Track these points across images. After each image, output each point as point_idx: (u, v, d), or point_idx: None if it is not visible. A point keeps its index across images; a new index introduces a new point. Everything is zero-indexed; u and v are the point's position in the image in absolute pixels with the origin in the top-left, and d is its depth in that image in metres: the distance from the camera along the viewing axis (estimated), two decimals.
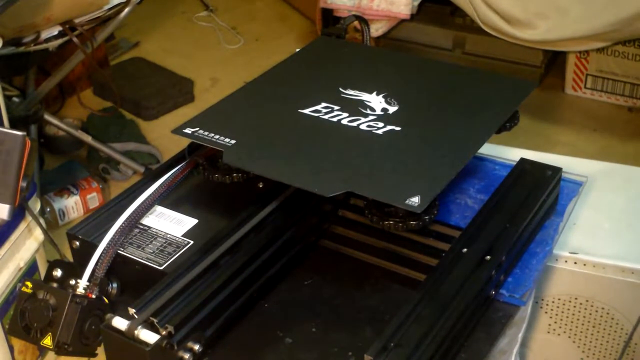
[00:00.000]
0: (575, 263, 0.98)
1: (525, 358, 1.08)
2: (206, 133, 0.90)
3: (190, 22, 3.04)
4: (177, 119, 2.34)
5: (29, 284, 0.82)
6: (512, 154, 1.06)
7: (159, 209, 0.92)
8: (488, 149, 1.07)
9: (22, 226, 1.39)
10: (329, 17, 2.49)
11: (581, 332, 1.03)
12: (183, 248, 0.87)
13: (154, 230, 0.89)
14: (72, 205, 1.98)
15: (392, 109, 0.95)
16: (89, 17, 1.80)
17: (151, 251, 0.86)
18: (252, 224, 0.86)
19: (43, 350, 1.50)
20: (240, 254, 0.82)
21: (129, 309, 0.74)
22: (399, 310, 0.75)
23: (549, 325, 1.05)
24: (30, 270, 1.43)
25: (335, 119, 0.93)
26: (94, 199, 2.01)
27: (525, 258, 0.90)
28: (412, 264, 0.89)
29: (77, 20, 1.78)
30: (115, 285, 0.85)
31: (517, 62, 2.39)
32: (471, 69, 1.17)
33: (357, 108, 0.95)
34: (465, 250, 0.83)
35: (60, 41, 1.80)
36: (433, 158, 0.86)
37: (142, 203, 0.90)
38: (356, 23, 1.18)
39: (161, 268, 0.84)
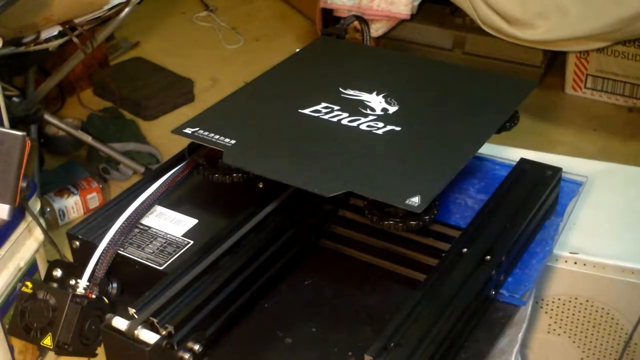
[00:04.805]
0: (575, 263, 0.98)
1: (526, 358, 1.08)
2: (206, 133, 0.90)
3: (190, 22, 3.04)
4: (177, 119, 2.34)
5: (29, 284, 0.82)
6: (512, 154, 1.06)
7: (159, 209, 0.92)
8: (488, 149, 1.07)
9: (22, 226, 1.39)
10: (329, 17, 2.50)
11: (581, 332, 1.03)
12: (183, 248, 0.87)
13: (154, 230, 0.89)
14: (72, 205, 1.98)
15: (392, 109, 0.95)
16: (89, 17, 1.80)
17: (151, 251, 0.86)
18: (252, 224, 0.86)
19: (43, 350, 1.50)
20: (240, 254, 0.82)
21: (129, 309, 0.74)
22: (399, 310, 0.75)
23: (549, 325, 1.05)
24: (30, 270, 1.43)
25: (335, 119, 0.93)
26: (94, 199, 2.01)
27: (525, 258, 0.90)
28: (412, 264, 0.89)
29: (77, 20, 1.78)
30: (115, 285, 0.85)
31: (517, 62, 2.40)
32: (471, 69, 1.17)
33: (357, 108, 0.95)
34: (465, 250, 0.83)
35: (60, 41, 1.80)
36: (433, 158, 0.86)
37: (142, 203, 0.90)
38: (356, 23, 1.18)
39: (161, 268, 0.84)
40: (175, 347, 0.73)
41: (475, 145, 0.88)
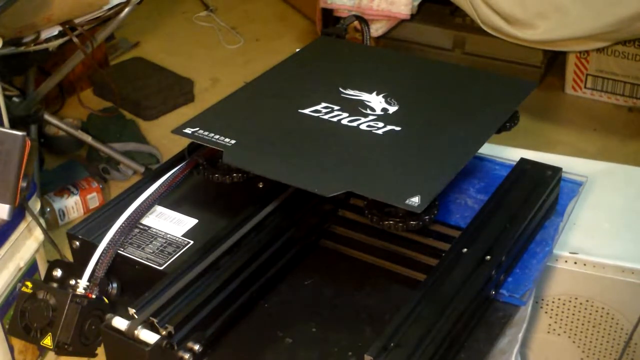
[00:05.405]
0: (575, 263, 0.98)
1: (526, 358, 1.08)
2: (206, 133, 0.90)
3: (190, 22, 3.04)
4: (177, 119, 2.34)
5: (29, 284, 0.82)
6: (512, 154, 1.06)
7: (159, 209, 0.92)
8: (488, 149, 1.07)
9: (22, 226, 1.39)
10: (329, 17, 2.50)
11: (581, 332, 1.04)
12: (183, 248, 0.87)
13: (154, 230, 0.89)
14: (72, 205, 1.98)
15: (392, 109, 0.95)
16: (89, 17, 1.80)
17: (151, 251, 0.86)
18: (252, 224, 0.86)
19: (43, 350, 1.50)
20: (240, 254, 0.82)
21: (129, 309, 0.74)
22: (399, 310, 0.75)
23: (549, 325, 1.05)
24: (30, 270, 1.43)
25: (335, 119, 0.93)
26: (94, 199, 2.01)
27: (525, 258, 0.90)
28: (412, 264, 0.89)
29: (77, 20, 1.78)
30: (115, 285, 0.85)
31: (517, 62, 2.40)
32: (471, 69, 1.17)
33: (357, 108, 0.95)
34: (465, 250, 0.83)
35: (60, 41, 1.80)
36: (433, 158, 0.86)
37: (142, 203, 0.90)
38: (356, 23, 1.18)
39: (161, 268, 0.84)
40: (175, 347, 0.73)
41: (475, 145, 0.88)
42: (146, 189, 0.92)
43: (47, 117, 2.04)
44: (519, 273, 0.88)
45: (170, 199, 0.94)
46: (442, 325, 0.74)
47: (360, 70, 1.06)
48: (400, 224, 0.83)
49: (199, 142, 0.90)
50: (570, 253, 0.98)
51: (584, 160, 1.12)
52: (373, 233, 0.92)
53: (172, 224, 0.90)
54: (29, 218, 1.40)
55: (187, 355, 0.74)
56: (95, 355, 0.83)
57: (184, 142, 0.96)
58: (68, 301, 0.79)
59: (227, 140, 0.88)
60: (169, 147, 2.22)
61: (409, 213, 0.81)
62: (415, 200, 0.77)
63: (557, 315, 1.04)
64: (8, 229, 1.35)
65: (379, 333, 0.73)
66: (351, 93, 0.98)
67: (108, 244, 0.84)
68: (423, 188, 0.79)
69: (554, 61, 2.48)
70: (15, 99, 1.98)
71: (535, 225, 0.93)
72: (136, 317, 0.74)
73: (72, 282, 0.82)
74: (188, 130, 0.91)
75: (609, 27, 2.14)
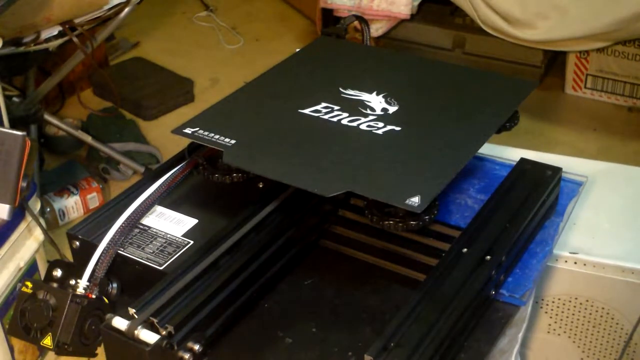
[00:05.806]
0: (575, 263, 0.98)
1: (525, 358, 1.08)
2: (206, 133, 0.90)
3: (190, 22, 3.04)
4: (177, 119, 2.34)
5: (29, 284, 0.82)
6: (512, 154, 1.06)
7: (159, 209, 0.92)
8: (488, 149, 1.07)
9: (22, 226, 1.39)
10: (329, 17, 2.50)
11: (581, 332, 1.04)
12: (183, 248, 0.87)
13: (154, 230, 0.89)
14: (72, 205, 1.98)
15: (392, 109, 0.95)
16: (89, 17, 1.80)
17: (151, 251, 0.86)
18: (252, 224, 0.86)
19: (43, 350, 1.50)
20: (240, 254, 0.82)
21: (129, 309, 0.74)
22: (399, 310, 0.75)
23: (549, 325, 1.05)
24: (30, 270, 1.43)
25: (335, 119, 0.93)
26: (94, 199, 2.01)
27: (525, 258, 0.90)
28: (412, 264, 0.89)
29: (77, 20, 1.78)
30: (115, 285, 0.85)
31: (517, 62, 2.40)
32: (471, 69, 1.17)
33: (357, 108, 0.95)
34: (465, 250, 0.83)
35: (60, 41, 1.80)
36: (433, 158, 0.86)
37: (142, 203, 0.90)
38: (356, 23, 1.18)
39: (161, 268, 0.84)
40: (175, 347, 0.73)
41: (475, 145, 0.88)
42: (146, 189, 0.92)
43: (47, 117, 2.04)
44: (519, 273, 0.88)
45: (170, 199, 0.94)
46: (442, 325, 0.74)
47: (360, 70, 1.06)
48: (400, 224, 0.83)
49: (199, 142, 0.90)
50: (570, 253, 0.98)
51: (584, 160, 1.12)
52: (373, 233, 0.92)
53: (172, 224, 0.90)
54: (29, 218, 1.40)
55: (187, 355, 0.74)
56: (95, 355, 0.83)
57: (184, 142, 0.96)
58: (68, 301, 0.79)
59: (227, 140, 0.88)
60: (169, 147, 2.22)
61: (409, 213, 0.81)
62: (415, 200, 0.77)
63: (557, 315, 1.04)
64: (8, 229, 1.36)
65: (379, 333, 0.73)
66: (351, 93, 0.98)
67: (108, 244, 0.84)
68: (423, 188, 0.79)
69: (554, 61, 2.48)
70: (15, 99, 1.98)
71: (535, 225, 0.93)
72: (136, 317, 0.74)
73: (72, 282, 0.82)
74: (188, 130, 0.91)
75: (609, 27, 2.14)
